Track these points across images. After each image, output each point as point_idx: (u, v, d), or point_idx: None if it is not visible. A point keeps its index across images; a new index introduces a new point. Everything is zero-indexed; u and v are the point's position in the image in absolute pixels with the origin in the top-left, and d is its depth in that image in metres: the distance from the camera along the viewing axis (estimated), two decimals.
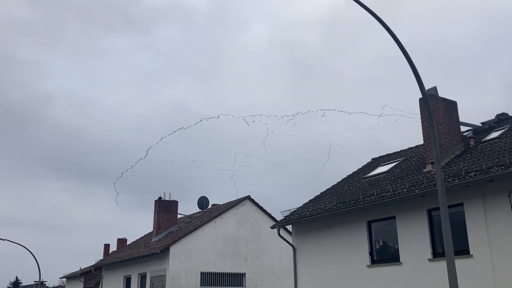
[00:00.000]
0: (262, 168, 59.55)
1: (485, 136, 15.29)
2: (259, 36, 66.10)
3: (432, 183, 12.83)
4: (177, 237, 25.19)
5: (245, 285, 25.90)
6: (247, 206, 27.12)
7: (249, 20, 69.39)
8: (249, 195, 27.27)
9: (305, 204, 18.31)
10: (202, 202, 30.30)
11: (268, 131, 20.18)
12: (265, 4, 68.37)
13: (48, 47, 69.28)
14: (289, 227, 20.64)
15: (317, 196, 18.90)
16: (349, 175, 19.95)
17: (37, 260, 31.20)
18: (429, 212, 13.11)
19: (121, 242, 39.78)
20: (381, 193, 14.47)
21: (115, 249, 38.57)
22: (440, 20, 58.64)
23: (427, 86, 14.68)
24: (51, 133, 66.09)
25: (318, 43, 63.30)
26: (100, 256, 42.38)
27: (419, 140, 19.13)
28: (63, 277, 46.18)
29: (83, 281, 40.11)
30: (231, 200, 28.79)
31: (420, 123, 14.86)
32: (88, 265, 40.37)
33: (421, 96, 10.02)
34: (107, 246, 42.33)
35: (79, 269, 42.95)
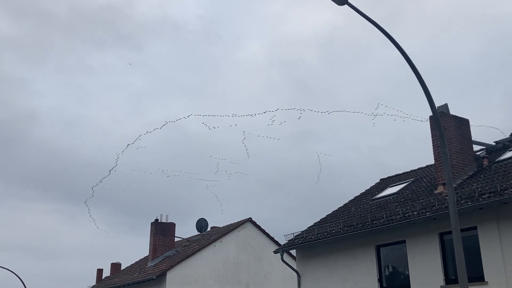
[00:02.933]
0: (259, 189, 59.43)
1: (499, 156, 15.30)
2: (255, 53, 66.70)
3: (444, 206, 12.81)
4: (174, 262, 25.06)
5: None
6: (249, 229, 27.02)
7: (244, 37, 70.10)
8: (250, 217, 27.20)
9: (310, 227, 18.29)
10: (201, 224, 30.23)
11: (246, 132, 20.32)
12: (260, 21, 69.17)
13: (33, 63, 69.80)
14: (293, 252, 20.55)
15: (322, 219, 18.88)
16: (357, 196, 19.93)
17: (26, 286, 31.01)
18: (441, 236, 13.06)
19: (115, 266, 39.53)
20: (391, 216, 14.44)
21: (109, 274, 38.33)
22: (444, 36, 59.18)
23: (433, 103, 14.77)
24: (38, 152, 66.06)
25: (316, 60, 63.96)
26: (92, 281, 42.05)
27: (426, 159, 19.20)
28: None
29: None
30: (232, 222, 28.72)
31: (431, 140, 14.90)
32: None
33: (431, 114, 10.09)
34: (100, 271, 42.06)
35: None
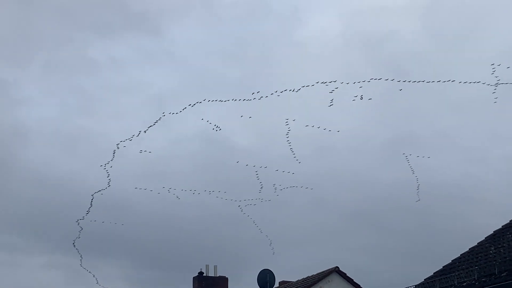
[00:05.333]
0: (338, 222, 58.08)
1: None
2: (325, 30, 65.52)
3: None
4: None
5: None
6: (336, 284, 26.81)
7: (307, 8, 69.03)
8: (337, 267, 27.02)
9: (428, 279, 18.22)
10: (265, 278, 30.22)
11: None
12: None
13: (16, 61, 71.66)
14: None
15: (446, 265, 18.91)
16: (497, 231, 19.58)
17: None
18: None
19: None
20: None
21: None
22: None
23: None
24: (29, 183, 67.01)
25: (415, 34, 61.95)
26: None
27: None
28: None
29: None
30: (310, 274, 28.60)
31: None
32: None
33: None
34: None
35: None
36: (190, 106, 23.75)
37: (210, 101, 23.88)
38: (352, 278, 27.16)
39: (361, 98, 21.79)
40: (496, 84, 19.59)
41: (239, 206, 27.74)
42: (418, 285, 17.97)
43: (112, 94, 72.82)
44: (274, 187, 26.92)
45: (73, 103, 72.14)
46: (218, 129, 24.70)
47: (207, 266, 30.09)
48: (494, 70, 19.47)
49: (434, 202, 48.53)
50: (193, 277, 29.81)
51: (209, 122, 24.92)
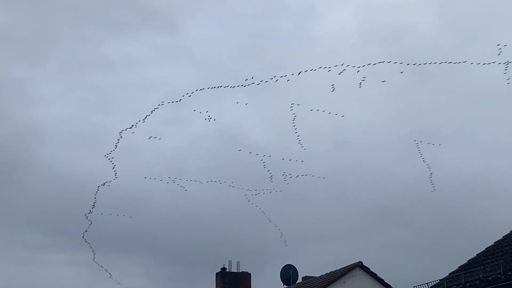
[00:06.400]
0: (358, 217, 57.66)
1: None
2: (341, 24, 64.98)
3: None
4: None
5: None
6: (359, 279, 26.75)
7: (323, 3, 68.43)
8: (360, 262, 26.96)
9: (453, 273, 18.20)
10: (288, 274, 30.24)
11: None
12: None
13: (32, 60, 71.99)
14: None
15: (471, 260, 18.88)
16: None
17: None
18: None
19: None
20: None
21: None
22: None
23: None
24: (47, 182, 67.28)
25: (433, 28, 61.16)
26: None
27: None
28: None
29: None
30: (332, 269, 28.58)
31: None
32: None
33: None
34: None
35: None
36: (187, 95, 24.29)
37: (209, 89, 24.35)
38: (376, 273, 27.11)
39: (363, 81, 22.16)
40: (507, 63, 19.52)
41: (245, 195, 28.06)
42: (443, 279, 17.93)
43: (128, 92, 73.05)
44: (284, 176, 27.18)
45: (90, 101, 72.41)
46: (210, 119, 25.21)
47: (229, 262, 30.12)
48: (500, 50, 19.44)
49: (456, 196, 48.21)
50: (216, 273, 29.85)
51: (200, 112, 25.52)
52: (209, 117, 25.17)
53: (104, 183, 26.71)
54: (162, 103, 24.62)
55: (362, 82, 22.04)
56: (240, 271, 29.90)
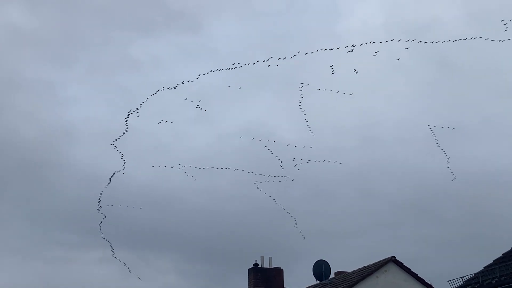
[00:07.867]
0: (388, 212, 57.53)
1: None
2: (366, 21, 64.58)
3: None
4: None
5: None
6: (393, 274, 26.69)
7: (345, 1, 68.01)
8: (393, 256, 26.91)
9: (487, 266, 18.07)
10: (320, 269, 30.23)
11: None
12: None
13: (61, 62, 72.78)
14: None
15: (506, 253, 18.85)
16: None
17: None
18: None
19: None
20: None
21: None
22: None
23: None
24: (77, 181, 68.09)
25: (458, 22, 60.34)
26: None
27: None
28: None
29: None
30: (365, 264, 28.58)
31: None
32: None
33: None
34: None
35: None
36: (182, 84, 25.25)
37: (205, 74, 25.22)
38: (409, 267, 27.04)
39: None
40: None
41: (255, 182, 28.15)
42: (478, 273, 17.83)
43: (155, 92, 73.34)
44: (294, 161, 27.22)
45: (117, 102, 73.11)
46: (200, 109, 26.31)
47: (262, 257, 30.25)
48: (506, 26, 19.82)
49: (487, 190, 47.87)
50: (249, 269, 30.00)
51: (191, 101, 26.46)
52: (199, 107, 25.53)
53: (114, 173, 27.39)
54: (163, 88, 25.13)
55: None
56: (273, 267, 30.00)
